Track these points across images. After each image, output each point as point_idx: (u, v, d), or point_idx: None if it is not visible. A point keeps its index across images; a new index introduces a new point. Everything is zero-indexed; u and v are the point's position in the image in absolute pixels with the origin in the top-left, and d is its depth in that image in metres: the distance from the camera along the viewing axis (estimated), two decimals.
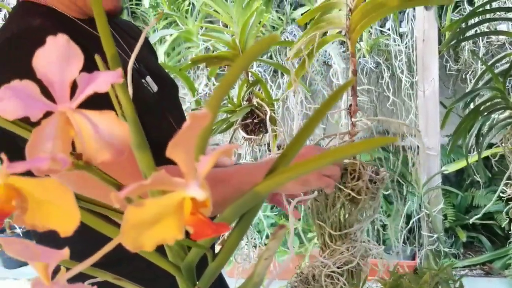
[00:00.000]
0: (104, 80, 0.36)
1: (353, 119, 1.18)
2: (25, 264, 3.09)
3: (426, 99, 2.65)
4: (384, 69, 2.72)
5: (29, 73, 0.94)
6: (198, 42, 2.77)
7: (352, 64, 1.19)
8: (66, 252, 0.34)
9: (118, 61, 0.41)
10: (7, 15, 2.84)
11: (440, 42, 2.60)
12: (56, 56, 0.35)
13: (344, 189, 1.04)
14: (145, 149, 0.44)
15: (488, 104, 1.31)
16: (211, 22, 2.96)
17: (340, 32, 1.53)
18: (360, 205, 1.12)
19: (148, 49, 1.25)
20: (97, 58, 0.51)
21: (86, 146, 0.35)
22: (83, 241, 0.58)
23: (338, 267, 1.06)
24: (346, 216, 1.11)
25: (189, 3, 2.94)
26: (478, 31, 2.30)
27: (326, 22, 1.28)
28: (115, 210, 0.41)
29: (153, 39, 2.48)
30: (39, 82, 0.96)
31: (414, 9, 2.65)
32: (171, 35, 2.92)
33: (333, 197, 1.06)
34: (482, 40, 2.57)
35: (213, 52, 2.88)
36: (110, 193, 0.39)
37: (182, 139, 0.29)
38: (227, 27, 2.31)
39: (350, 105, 1.19)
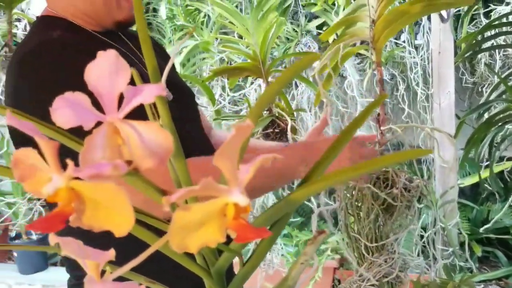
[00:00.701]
0: (149, 93, 0.38)
1: (382, 128, 1.19)
2: (40, 270, 3.12)
3: (442, 112, 2.65)
4: (399, 81, 2.73)
5: (51, 83, 0.98)
6: (214, 53, 2.81)
7: (379, 73, 1.20)
8: (112, 253, 0.37)
9: (158, 74, 0.44)
10: (27, 26, 2.90)
11: (456, 54, 2.61)
12: (106, 70, 0.38)
13: (380, 194, 1.03)
14: (181, 158, 0.46)
15: (501, 115, 1.32)
16: (225, 33, 2.99)
17: (363, 43, 1.55)
18: (395, 214, 1.11)
19: (167, 61, 1.28)
20: (133, 71, 0.53)
21: (132, 154, 0.37)
22: (115, 245, 0.60)
23: (377, 280, 1.05)
24: (381, 227, 1.10)
25: (205, 15, 2.98)
26: (495, 44, 2.31)
27: (349, 34, 1.30)
28: (152, 217, 0.43)
29: (174, 51, 2.52)
30: (57, 93, 0.99)
31: (430, 21, 2.66)
32: (186, 46, 2.96)
33: (366, 208, 1.07)
34: (499, 53, 2.57)
35: (228, 63, 2.91)
36: (147, 199, 0.42)
37: (227, 149, 0.31)
38: (241, 38, 2.34)
39: (378, 114, 1.20)
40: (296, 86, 2.80)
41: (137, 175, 0.36)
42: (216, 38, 2.79)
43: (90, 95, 0.98)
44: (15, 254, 3.09)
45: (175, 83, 1.13)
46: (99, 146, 0.36)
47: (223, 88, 2.91)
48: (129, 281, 0.35)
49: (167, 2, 2.89)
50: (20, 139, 0.96)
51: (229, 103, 2.83)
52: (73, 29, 1.02)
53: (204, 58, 2.92)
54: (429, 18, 2.62)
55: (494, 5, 2.57)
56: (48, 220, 0.29)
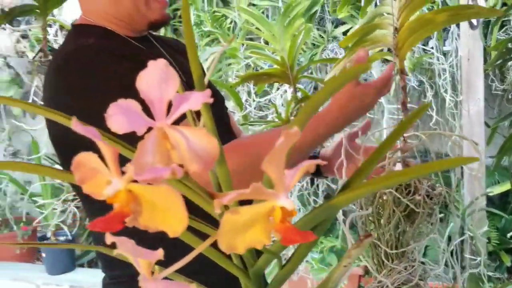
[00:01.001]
0: (195, 100, 0.40)
1: (405, 134, 1.19)
2: (68, 271, 3.18)
3: (471, 119, 2.62)
4: (427, 88, 2.72)
5: (85, 88, 1.01)
6: (240, 58, 2.83)
7: (402, 80, 1.20)
8: (161, 252, 0.38)
9: (203, 82, 0.45)
10: (58, 31, 2.97)
11: (485, 61, 2.58)
12: (156, 79, 0.39)
13: (402, 199, 1.04)
14: (223, 163, 0.47)
15: None
16: (251, 39, 3.02)
17: (382, 50, 1.54)
18: (417, 222, 1.11)
19: None
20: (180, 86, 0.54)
21: (181, 158, 0.39)
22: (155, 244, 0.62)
23: (396, 287, 1.05)
24: (402, 234, 1.11)
25: (231, 21, 3.01)
26: None
27: (371, 41, 1.30)
28: (196, 220, 0.44)
29: (203, 57, 2.55)
30: (94, 98, 1.02)
31: (459, 27, 2.64)
32: (213, 53, 2.99)
33: (387, 214, 1.07)
34: None
35: (254, 68, 2.94)
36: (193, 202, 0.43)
37: (276, 155, 0.32)
38: (268, 44, 2.36)
39: (401, 120, 1.20)
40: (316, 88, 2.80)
41: (188, 178, 0.38)
42: (242, 44, 2.81)
43: (121, 96, 1.00)
44: (43, 255, 3.16)
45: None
46: (150, 151, 0.38)
47: (249, 93, 2.93)
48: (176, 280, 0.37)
49: (194, 8, 2.93)
50: (64, 143, 0.99)
51: (254, 108, 2.85)
52: (107, 35, 1.05)
53: (230, 64, 2.95)
54: (458, 25, 2.60)
55: None
56: (108, 220, 0.31)
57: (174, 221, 0.31)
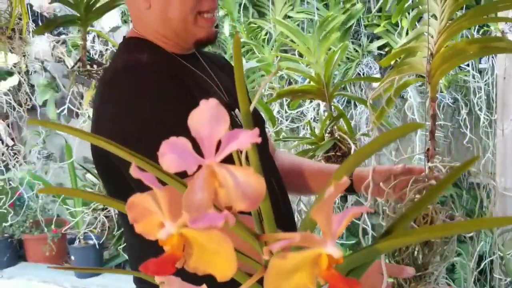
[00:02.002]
0: (244, 139, 0.41)
1: (430, 164, 1.18)
2: (96, 274, 3.22)
3: (505, 138, 2.57)
4: (461, 105, 2.68)
5: (137, 103, 1.04)
6: (272, 66, 2.84)
7: (432, 109, 1.19)
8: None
9: (250, 119, 0.46)
10: (95, 38, 3.03)
11: None
12: (207, 117, 0.40)
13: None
14: (266, 199, 0.48)
15: None
16: (285, 51, 3.03)
17: (419, 76, 1.53)
18: (434, 249, 1.11)
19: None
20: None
21: (228, 196, 0.39)
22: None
23: None
24: (420, 258, 1.11)
25: (266, 33, 3.02)
26: None
27: (408, 66, 1.30)
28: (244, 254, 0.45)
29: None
30: (141, 112, 1.04)
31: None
32: (247, 61, 3.01)
33: None
34: None
35: (287, 80, 2.94)
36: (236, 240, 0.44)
37: (325, 205, 0.33)
38: (301, 56, 2.36)
39: (428, 149, 1.19)
40: (355, 106, 2.79)
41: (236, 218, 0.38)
42: (277, 56, 2.82)
43: (166, 117, 1.02)
44: (72, 258, 3.21)
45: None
46: (199, 188, 0.39)
47: (281, 105, 2.94)
48: None
49: (230, 19, 2.95)
50: (105, 162, 1.01)
51: (287, 120, 2.86)
52: (154, 52, 1.08)
53: (263, 75, 2.96)
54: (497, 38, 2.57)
55: None
56: (160, 263, 0.32)
57: (223, 266, 0.32)
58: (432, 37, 1.28)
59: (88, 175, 2.85)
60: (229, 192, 0.39)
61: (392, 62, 2.27)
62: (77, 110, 2.04)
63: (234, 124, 1.10)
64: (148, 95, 0.97)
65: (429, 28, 1.27)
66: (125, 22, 3.10)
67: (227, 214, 0.31)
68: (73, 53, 3.30)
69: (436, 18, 1.33)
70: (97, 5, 1.61)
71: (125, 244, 2.82)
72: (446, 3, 1.20)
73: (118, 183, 1.01)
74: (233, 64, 1.35)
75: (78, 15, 1.60)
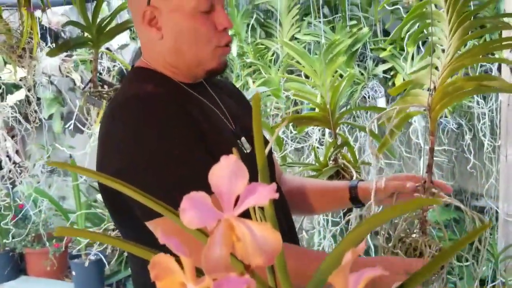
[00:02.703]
0: (262, 195, 0.42)
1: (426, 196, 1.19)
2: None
3: (509, 165, 2.58)
4: (465, 131, 2.70)
5: (144, 132, 1.04)
6: (280, 90, 2.87)
7: (431, 142, 1.21)
8: None
9: (267, 171, 0.47)
10: (103, 55, 3.06)
11: None
12: (227, 173, 0.42)
13: None
14: (281, 255, 0.49)
15: None
16: (292, 71, 3.05)
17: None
18: (424, 282, 1.12)
19: (246, 108, 1.32)
20: (234, 151, 0.55)
21: (245, 251, 0.40)
22: None
23: None
24: None
25: (273, 53, 3.05)
26: None
27: (412, 97, 1.32)
28: None
29: (248, 96, 2.59)
30: (148, 142, 1.04)
31: (500, 72, 2.62)
32: (253, 82, 3.04)
33: None
34: None
35: (293, 101, 2.96)
36: None
37: (342, 270, 0.34)
38: (307, 77, 2.38)
39: (425, 182, 1.20)
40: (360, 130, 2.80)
41: (255, 275, 0.39)
42: (283, 77, 2.85)
43: (173, 147, 1.02)
44: (73, 273, 3.21)
45: (252, 135, 1.16)
46: (218, 243, 0.40)
47: (286, 125, 2.96)
48: None
49: (238, 40, 2.98)
50: (117, 202, 1.02)
51: (292, 140, 2.87)
52: (162, 82, 1.09)
53: (269, 95, 2.98)
54: (499, 69, 2.59)
55: None
56: None
57: None
58: (437, 69, 1.30)
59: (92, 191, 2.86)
60: (246, 246, 0.40)
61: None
62: (82, 128, 2.05)
63: (240, 152, 1.11)
64: (156, 125, 0.98)
65: (436, 60, 1.29)
66: (133, 39, 3.13)
67: (248, 280, 0.32)
68: (80, 67, 3.33)
69: (443, 51, 1.36)
70: (109, 27, 1.63)
71: (126, 256, 2.82)
72: (453, 38, 1.22)
73: (124, 212, 1.02)
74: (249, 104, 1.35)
75: (90, 37, 1.62)
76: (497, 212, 2.82)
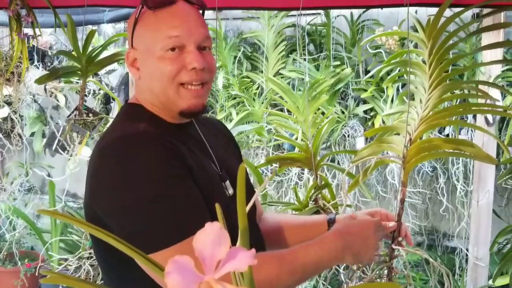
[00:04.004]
0: (242, 261, 0.46)
1: (393, 246, 1.25)
2: None
3: (480, 209, 2.66)
4: (440, 174, 2.77)
5: (132, 176, 1.07)
6: (264, 129, 2.92)
7: (402, 193, 1.26)
8: None
9: (247, 235, 0.51)
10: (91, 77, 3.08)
11: (498, 154, 2.64)
12: (211, 240, 0.45)
13: None
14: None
15: None
16: (275, 104, 3.11)
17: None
18: None
19: (233, 150, 1.34)
20: (217, 206, 0.59)
21: None
22: None
23: None
24: None
25: (258, 87, 3.11)
26: None
27: (387, 144, 1.37)
28: None
29: (234, 132, 2.64)
30: (135, 188, 1.06)
31: (475, 119, 2.71)
32: (237, 113, 3.09)
33: None
34: None
35: (275, 133, 3.01)
36: None
37: None
38: (290, 113, 2.44)
39: (394, 231, 1.25)
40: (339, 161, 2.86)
41: None
42: (266, 111, 2.90)
43: (161, 188, 1.05)
44: None
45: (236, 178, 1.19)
46: None
47: (267, 156, 3.01)
48: None
49: (224, 72, 3.04)
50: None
51: (270, 172, 2.91)
52: (152, 121, 1.10)
53: (252, 126, 3.03)
54: (474, 116, 2.67)
55: None
56: None
57: None
58: (414, 119, 1.36)
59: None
60: None
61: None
62: (61, 152, 2.06)
63: (223, 195, 1.13)
64: (144, 167, 0.99)
65: (412, 109, 1.35)
66: (120, 64, 3.17)
67: None
68: (65, 88, 3.34)
69: (420, 100, 1.42)
70: (98, 58, 1.67)
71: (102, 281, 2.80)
72: (431, 94, 1.28)
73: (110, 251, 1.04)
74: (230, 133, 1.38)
75: (79, 66, 1.65)
76: (467, 254, 2.88)
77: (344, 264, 1.39)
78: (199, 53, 1.08)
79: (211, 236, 0.46)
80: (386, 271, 1.22)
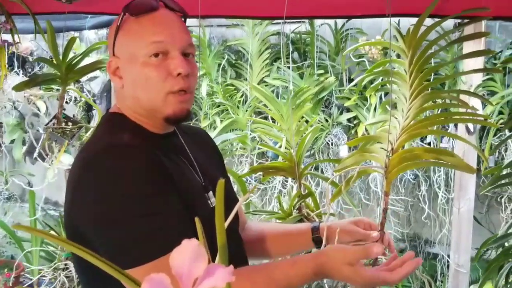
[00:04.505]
0: (220, 277, 0.45)
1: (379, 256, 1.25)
2: None
3: (461, 217, 2.68)
4: (422, 182, 2.79)
5: (116, 187, 1.05)
6: (248, 138, 2.92)
7: (384, 203, 1.26)
8: None
9: (226, 251, 0.50)
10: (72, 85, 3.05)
11: (478, 162, 2.66)
12: (188, 257, 0.45)
13: None
14: None
15: None
16: (259, 112, 3.11)
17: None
18: None
19: (217, 159, 1.33)
20: (197, 220, 0.58)
21: None
22: None
23: None
24: None
25: (242, 94, 3.11)
26: None
27: (369, 154, 1.37)
28: None
29: (218, 141, 2.63)
30: (117, 197, 1.04)
31: (456, 127, 2.74)
32: (221, 121, 3.08)
33: None
34: None
35: (259, 141, 3.01)
36: None
37: None
38: (274, 121, 2.44)
39: (377, 240, 1.26)
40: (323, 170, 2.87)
41: None
42: (250, 119, 2.90)
43: (142, 203, 1.03)
44: None
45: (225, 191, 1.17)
46: None
47: (251, 164, 3.00)
48: None
49: (208, 79, 3.03)
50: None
51: (255, 181, 2.91)
52: (133, 132, 1.09)
53: (236, 134, 3.03)
54: (456, 125, 2.70)
55: None
56: None
57: None
58: (395, 128, 1.37)
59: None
60: None
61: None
62: (41, 160, 2.03)
63: (205, 206, 1.12)
64: (125, 181, 0.97)
65: (393, 119, 1.36)
66: (102, 71, 3.14)
67: None
68: (45, 96, 3.30)
69: (402, 110, 1.43)
70: (79, 66, 1.65)
71: None
72: (412, 104, 1.29)
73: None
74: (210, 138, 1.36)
75: (59, 73, 1.63)
76: (448, 261, 2.90)
77: None
78: (184, 59, 1.08)
79: (188, 253, 0.45)
80: None
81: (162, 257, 0.90)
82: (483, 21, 2.32)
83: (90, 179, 0.99)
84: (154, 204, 0.97)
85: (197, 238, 0.46)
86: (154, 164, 1.01)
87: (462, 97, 1.40)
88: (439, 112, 1.94)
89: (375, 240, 1.25)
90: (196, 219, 0.58)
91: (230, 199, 1.21)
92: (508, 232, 1.33)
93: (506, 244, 1.42)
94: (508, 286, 1.40)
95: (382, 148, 1.35)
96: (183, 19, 1.14)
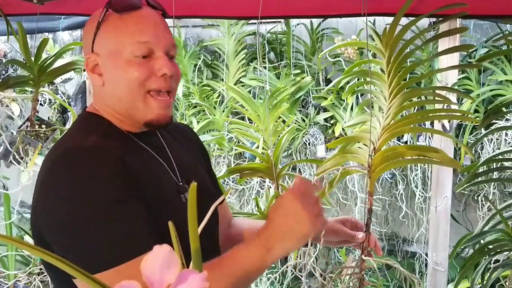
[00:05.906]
0: (193, 284, 0.44)
1: (363, 256, 1.24)
2: None
3: (438, 215, 2.70)
4: (399, 181, 2.81)
5: (82, 190, 1.02)
6: (225, 139, 2.90)
7: (369, 203, 1.26)
8: None
9: (200, 257, 0.49)
10: (46, 85, 3.00)
11: (455, 159, 2.69)
12: (159, 264, 0.43)
13: None
14: None
15: (495, 244, 1.37)
16: (236, 112, 3.10)
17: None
18: None
19: (200, 158, 1.29)
20: (170, 224, 0.56)
21: None
22: None
23: None
24: None
25: (219, 95, 3.09)
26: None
27: (352, 155, 1.37)
28: None
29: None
30: (88, 197, 1.01)
31: (433, 126, 2.77)
32: (198, 122, 3.06)
33: None
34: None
35: (236, 142, 3.00)
36: None
37: None
38: (251, 122, 2.43)
39: (363, 242, 1.25)
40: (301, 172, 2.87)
41: None
42: (227, 120, 2.89)
43: (108, 207, 0.99)
44: None
45: (199, 189, 1.15)
46: None
47: (229, 166, 2.99)
48: None
49: (184, 80, 3.01)
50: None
51: (233, 182, 2.90)
52: (108, 132, 1.06)
53: (213, 135, 3.01)
54: (432, 123, 2.73)
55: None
56: None
57: None
58: (375, 128, 1.37)
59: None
60: None
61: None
62: (16, 163, 1.99)
63: (181, 207, 1.10)
64: (91, 184, 0.94)
65: (373, 119, 1.35)
66: (77, 73, 3.10)
67: None
68: (19, 98, 3.24)
69: (380, 108, 1.43)
70: (51, 68, 1.62)
71: None
72: (392, 103, 1.29)
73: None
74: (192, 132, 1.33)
75: (31, 76, 1.60)
76: (426, 259, 2.93)
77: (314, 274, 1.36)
78: (168, 60, 1.06)
79: (159, 260, 0.44)
80: (357, 283, 1.21)
81: (128, 262, 0.89)
82: (457, 19, 2.35)
83: (55, 181, 0.97)
84: (119, 209, 0.95)
85: (165, 242, 0.44)
86: (118, 167, 0.98)
87: (441, 93, 1.41)
88: (415, 110, 1.95)
89: (361, 242, 1.24)
90: (170, 224, 0.56)
91: (210, 194, 1.18)
92: (484, 230, 1.34)
93: (481, 241, 1.43)
94: (484, 283, 1.41)
95: (362, 148, 1.35)
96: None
